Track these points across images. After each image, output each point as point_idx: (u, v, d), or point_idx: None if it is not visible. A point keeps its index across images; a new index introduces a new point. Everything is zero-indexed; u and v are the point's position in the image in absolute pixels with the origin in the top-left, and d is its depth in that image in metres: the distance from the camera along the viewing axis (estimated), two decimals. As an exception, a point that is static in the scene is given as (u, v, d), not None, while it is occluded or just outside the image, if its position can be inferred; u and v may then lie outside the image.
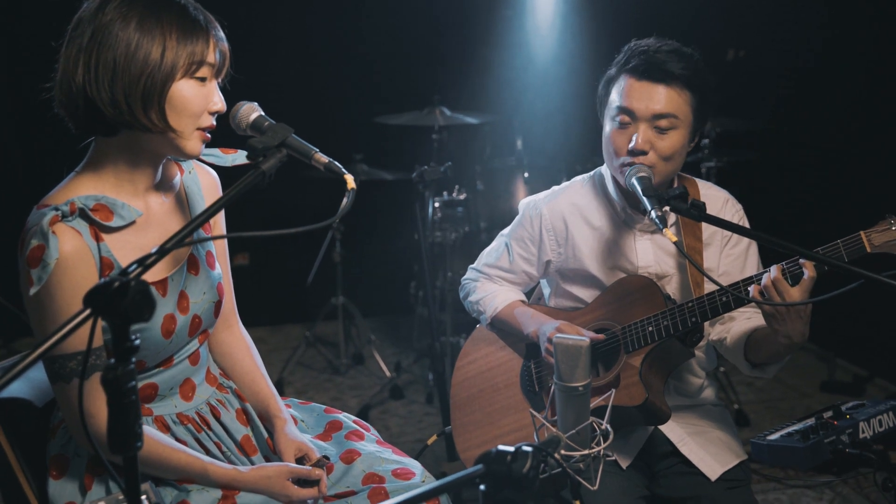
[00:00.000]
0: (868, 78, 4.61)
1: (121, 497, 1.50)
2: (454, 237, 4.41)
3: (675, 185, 2.26)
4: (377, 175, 4.64)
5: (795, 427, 1.90)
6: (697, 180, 2.33)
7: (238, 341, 2.09)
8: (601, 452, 1.67)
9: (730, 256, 2.25)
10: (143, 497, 1.43)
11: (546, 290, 2.49)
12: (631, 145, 2.10)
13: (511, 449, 1.29)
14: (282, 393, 2.09)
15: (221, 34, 1.74)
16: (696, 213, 1.85)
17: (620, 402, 2.08)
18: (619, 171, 2.13)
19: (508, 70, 5.33)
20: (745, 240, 2.26)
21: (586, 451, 1.65)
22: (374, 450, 2.02)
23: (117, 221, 1.71)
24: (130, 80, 1.63)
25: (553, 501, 2.03)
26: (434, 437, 3.09)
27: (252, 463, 1.94)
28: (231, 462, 1.89)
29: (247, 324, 2.13)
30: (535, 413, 1.81)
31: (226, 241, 2.04)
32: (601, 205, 2.31)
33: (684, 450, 2.21)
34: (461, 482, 1.30)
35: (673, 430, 2.23)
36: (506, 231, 2.48)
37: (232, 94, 1.79)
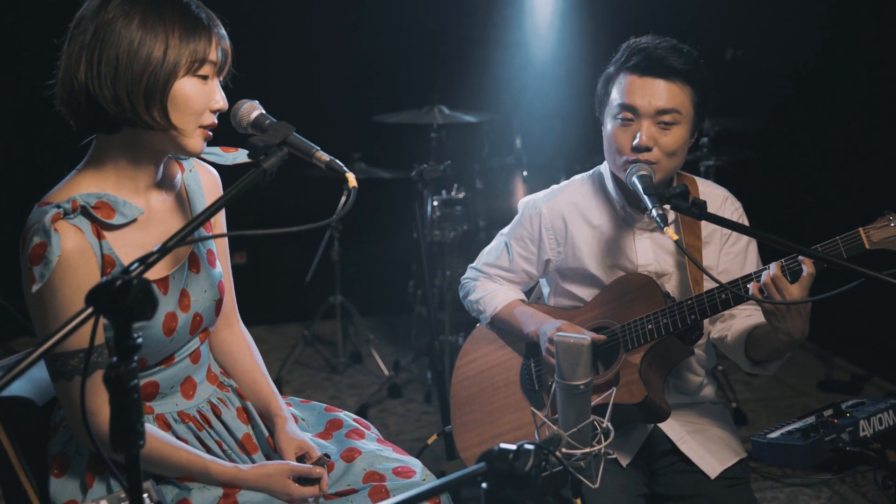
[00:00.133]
0: (867, 77, 4.62)
1: (122, 495, 1.50)
2: (453, 236, 4.40)
3: (675, 183, 2.27)
4: (375, 174, 4.63)
5: (796, 425, 1.90)
6: (697, 178, 2.33)
7: (238, 340, 2.09)
8: (602, 451, 1.68)
9: (729, 254, 2.26)
10: (145, 495, 1.43)
11: (545, 289, 2.49)
12: (635, 142, 2.10)
13: (513, 447, 1.29)
14: (280, 392, 2.09)
15: (223, 32, 1.74)
16: (696, 211, 1.86)
17: (620, 400, 2.09)
18: (623, 168, 2.13)
19: (507, 69, 5.33)
20: (745, 237, 2.26)
21: (587, 450, 1.66)
22: (375, 448, 2.02)
23: (119, 219, 1.71)
24: (133, 78, 1.63)
25: (553, 500, 2.04)
26: (434, 437, 3.09)
27: (253, 461, 1.94)
28: (232, 460, 1.90)
29: (245, 323, 2.13)
30: (536, 411, 1.81)
31: (226, 239, 2.04)
32: (600, 203, 2.31)
33: (684, 448, 2.21)
34: (463, 480, 1.30)
35: (672, 428, 2.23)
36: (505, 230, 2.49)
37: (231, 92, 1.79)
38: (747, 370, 2.20)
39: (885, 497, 3.10)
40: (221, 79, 1.77)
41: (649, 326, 2.11)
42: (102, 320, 1.20)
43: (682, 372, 2.29)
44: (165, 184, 1.85)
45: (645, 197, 1.96)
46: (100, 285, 1.17)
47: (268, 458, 1.98)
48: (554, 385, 1.70)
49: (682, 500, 2.17)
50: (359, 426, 2.11)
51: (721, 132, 4.30)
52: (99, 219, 1.69)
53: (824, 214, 4.56)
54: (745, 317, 2.21)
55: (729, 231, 2.24)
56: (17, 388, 1.83)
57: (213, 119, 1.75)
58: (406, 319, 5.22)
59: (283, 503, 1.83)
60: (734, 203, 2.30)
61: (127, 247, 1.73)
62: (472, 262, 2.57)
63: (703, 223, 2.23)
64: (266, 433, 2.01)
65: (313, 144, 1.66)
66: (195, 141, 1.74)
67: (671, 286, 2.26)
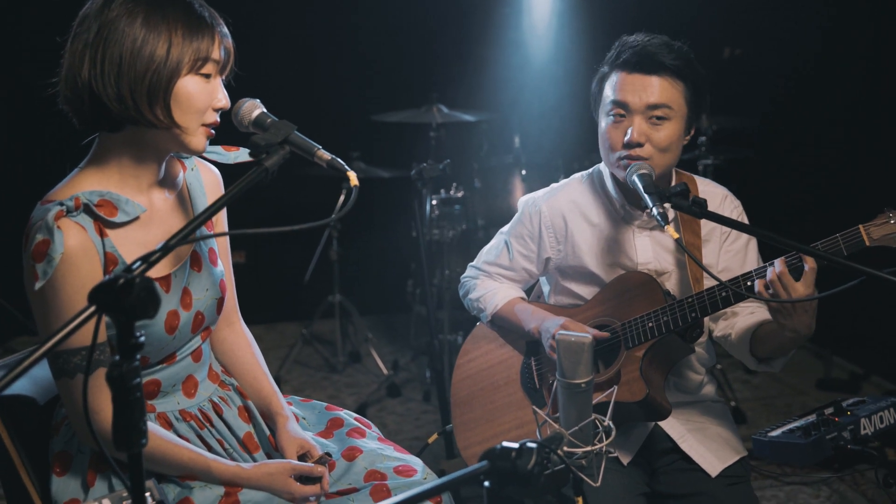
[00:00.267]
0: (865, 76, 4.62)
1: (124, 494, 1.50)
2: (451, 235, 4.40)
3: (674, 181, 2.27)
4: (374, 173, 4.63)
5: (797, 423, 1.90)
6: (696, 177, 2.33)
7: (240, 339, 2.09)
8: (603, 449, 1.68)
9: (729, 252, 2.26)
10: (147, 494, 1.43)
11: (545, 288, 2.49)
12: (626, 138, 2.10)
13: (516, 445, 1.29)
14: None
15: (226, 31, 1.75)
16: (697, 210, 1.86)
17: (621, 398, 2.09)
18: (617, 165, 2.14)
19: (506, 68, 5.33)
20: (745, 235, 2.26)
21: (589, 448, 1.65)
22: (376, 447, 2.02)
23: (121, 217, 1.71)
24: (136, 76, 1.64)
25: (554, 498, 2.04)
26: (435, 436, 3.09)
27: (254, 460, 1.94)
28: (233, 459, 1.90)
29: (244, 321, 2.13)
30: (537, 410, 1.81)
31: (228, 238, 2.04)
32: (600, 202, 2.32)
33: (684, 446, 2.21)
34: (466, 479, 1.30)
35: (673, 426, 2.23)
36: (505, 229, 2.49)
37: (231, 91, 1.79)
38: (753, 368, 2.20)
39: (884, 495, 3.11)
40: (224, 77, 1.77)
41: (650, 324, 2.11)
42: (104, 318, 1.20)
43: (683, 370, 2.29)
44: (167, 182, 1.86)
45: (645, 195, 1.96)
46: (102, 284, 1.17)
47: (269, 456, 1.98)
48: (555, 383, 1.70)
49: (683, 498, 2.18)
50: (360, 425, 2.11)
51: (719, 131, 4.30)
52: (101, 216, 1.69)
53: (823, 213, 4.57)
54: (748, 314, 2.21)
55: (729, 229, 2.24)
56: (19, 386, 1.83)
57: (216, 117, 1.75)
58: (405, 318, 5.22)
59: (284, 502, 1.83)
60: (734, 201, 2.30)
61: (129, 245, 1.73)
62: (471, 260, 2.57)
63: (703, 221, 2.23)
64: (267, 432, 2.01)
65: (315, 143, 1.66)
66: (198, 139, 1.74)
67: (671, 284, 2.26)
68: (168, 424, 1.84)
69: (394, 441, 2.11)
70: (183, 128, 1.71)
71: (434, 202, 4.42)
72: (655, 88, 2.10)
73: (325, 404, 2.18)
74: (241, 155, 1.89)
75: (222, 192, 1.99)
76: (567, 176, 2.48)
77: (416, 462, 2.01)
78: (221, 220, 2.02)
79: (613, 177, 2.26)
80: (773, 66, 5.00)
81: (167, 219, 1.83)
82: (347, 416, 2.14)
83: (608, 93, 2.16)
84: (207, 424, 1.90)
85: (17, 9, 4.72)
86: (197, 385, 1.91)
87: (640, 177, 2.02)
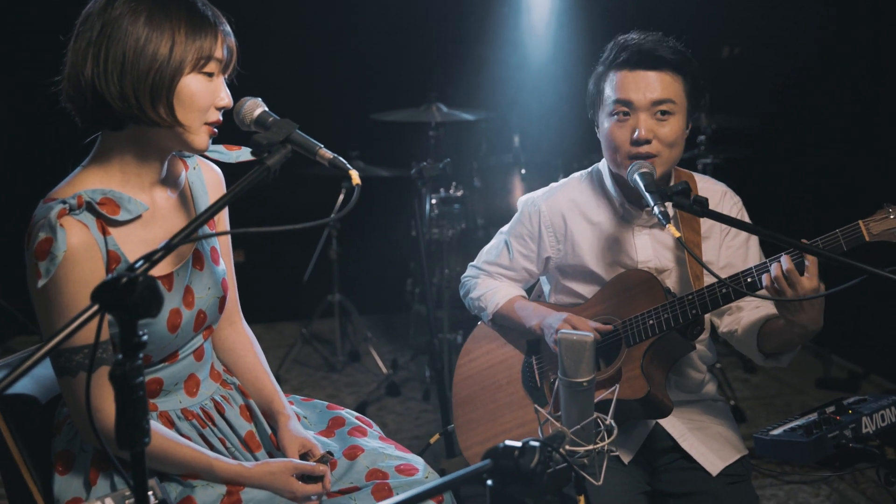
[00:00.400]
0: (864, 74, 4.62)
1: (127, 493, 1.50)
2: (451, 234, 4.40)
3: (673, 178, 2.27)
4: (373, 172, 4.63)
5: (798, 422, 1.90)
6: (694, 174, 2.34)
7: (241, 338, 2.09)
8: (605, 448, 1.68)
9: (731, 248, 2.26)
10: (149, 493, 1.43)
11: (546, 287, 2.49)
12: (635, 136, 2.10)
13: (518, 444, 1.29)
14: (279, 390, 2.09)
15: (229, 30, 1.75)
16: (698, 208, 1.86)
17: (623, 396, 2.09)
18: (625, 165, 2.13)
19: (504, 67, 5.33)
20: None
21: (591, 447, 1.66)
22: (378, 446, 2.02)
23: (124, 215, 1.71)
24: (139, 75, 1.64)
25: (554, 497, 2.04)
26: (437, 436, 3.09)
27: (256, 459, 1.94)
28: (235, 458, 1.90)
29: (242, 321, 2.14)
30: (539, 408, 1.81)
31: (229, 237, 2.05)
32: (599, 201, 2.32)
33: (685, 445, 2.21)
34: (469, 477, 1.30)
35: (674, 425, 2.23)
36: (505, 228, 2.49)
37: (231, 90, 1.79)
38: (760, 363, 2.20)
39: (883, 494, 3.11)
40: (227, 76, 1.78)
41: (650, 322, 2.11)
42: (107, 316, 1.20)
43: (685, 369, 2.29)
44: (170, 181, 1.86)
45: (647, 194, 1.97)
46: (105, 283, 1.17)
47: (271, 455, 1.98)
48: (557, 382, 1.70)
49: (684, 497, 2.18)
50: (361, 424, 2.12)
51: (718, 130, 4.31)
52: (104, 215, 1.69)
53: (822, 212, 4.57)
54: (753, 308, 2.21)
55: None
56: (21, 385, 1.83)
57: (219, 116, 1.76)
58: (404, 318, 5.22)
59: (286, 501, 1.83)
60: (733, 197, 2.30)
61: (131, 243, 1.74)
62: (471, 260, 2.57)
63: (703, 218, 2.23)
64: (269, 431, 2.01)
65: (316, 142, 1.66)
66: (200, 138, 1.74)
67: (671, 282, 2.26)
68: (170, 423, 1.84)
69: (394, 440, 2.11)
70: (185, 126, 1.71)
71: (433, 201, 4.42)
72: (658, 84, 2.10)
73: (327, 403, 2.19)
74: (243, 154, 1.89)
75: (224, 191, 1.99)
76: (566, 175, 2.48)
77: (418, 461, 2.01)
78: (223, 220, 2.02)
79: (613, 175, 2.27)
80: (772, 65, 5.00)
81: (169, 217, 1.83)
82: (349, 414, 2.14)
83: (609, 92, 2.16)
84: (209, 423, 1.90)
85: (18, 9, 4.72)
86: (199, 384, 1.91)
87: (642, 175, 2.02)
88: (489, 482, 1.30)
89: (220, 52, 1.72)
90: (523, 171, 4.61)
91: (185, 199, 1.89)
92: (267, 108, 1.72)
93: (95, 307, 1.19)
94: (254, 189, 1.57)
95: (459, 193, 4.54)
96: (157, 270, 1.76)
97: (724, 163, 4.26)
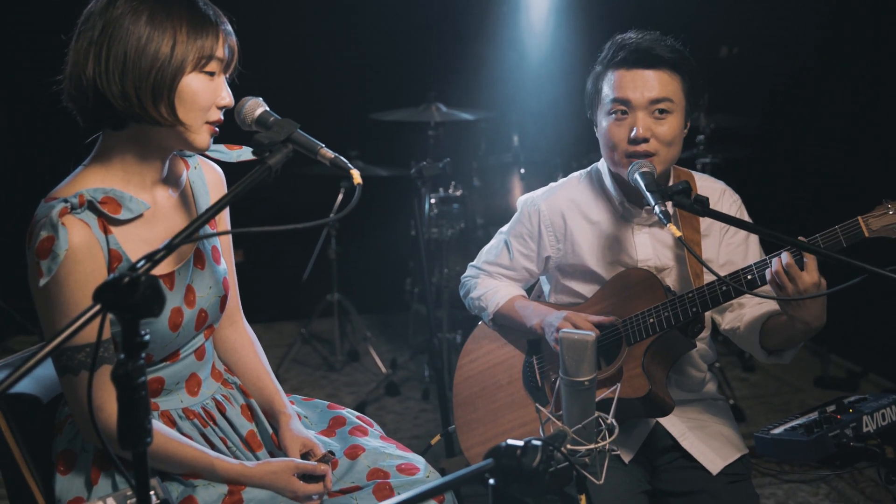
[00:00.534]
0: (862, 74, 4.63)
1: (128, 493, 1.50)
2: (450, 233, 4.40)
3: (672, 176, 2.27)
4: (373, 172, 4.63)
5: (799, 421, 1.90)
6: (693, 172, 2.34)
7: (242, 337, 2.09)
8: (607, 447, 1.68)
9: (730, 245, 2.27)
10: (151, 493, 1.43)
11: (546, 287, 2.49)
12: (633, 134, 2.10)
13: (521, 443, 1.29)
14: (278, 390, 2.09)
15: (230, 29, 1.75)
16: (699, 208, 1.86)
17: (624, 395, 2.09)
18: (623, 163, 2.13)
19: (504, 67, 5.33)
20: None
21: (592, 446, 1.66)
22: (379, 445, 2.02)
23: (125, 214, 1.71)
24: (141, 74, 1.64)
25: (555, 496, 2.04)
26: (438, 437, 3.09)
27: (257, 458, 1.94)
28: (236, 457, 1.90)
29: (241, 321, 2.14)
30: (540, 408, 1.81)
31: (230, 237, 2.05)
32: (599, 200, 2.32)
33: (685, 444, 2.21)
34: (471, 477, 1.30)
35: (674, 424, 2.24)
36: (504, 228, 2.49)
37: (230, 89, 1.79)
38: (763, 360, 2.20)
39: (882, 493, 3.11)
40: (228, 76, 1.78)
41: (651, 320, 2.11)
42: (109, 315, 1.20)
43: (686, 368, 2.29)
44: (171, 180, 1.86)
45: (647, 194, 1.97)
46: (108, 282, 1.17)
47: (272, 455, 1.98)
48: (558, 381, 1.71)
49: (684, 496, 2.18)
50: (362, 423, 2.12)
51: (717, 129, 4.31)
52: (105, 213, 1.69)
53: (821, 212, 4.57)
54: (756, 305, 2.21)
55: None
56: (22, 385, 1.82)
57: (220, 115, 1.76)
58: (403, 317, 5.21)
59: (288, 500, 1.83)
60: (732, 195, 2.31)
61: (133, 242, 1.74)
62: (470, 259, 2.57)
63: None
64: (270, 430, 2.01)
65: (318, 141, 1.66)
66: (202, 137, 1.74)
67: (671, 280, 2.26)
68: (171, 422, 1.85)
69: (393, 440, 2.11)
70: (187, 125, 1.71)
71: (432, 201, 4.42)
72: (655, 83, 2.11)
73: (328, 403, 2.19)
74: (244, 153, 1.89)
75: (225, 190, 1.99)
76: (565, 174, 2.48)
77: (419, 460, 2.01)
78: (224, 219, 2.02)
79: (612, 174, 2.27)
80: (771, 65, 5.00)
81: (170, 216, 1.83)
82: (349, 414, 2.14)
83: (607, 92, 2.16)
84: (210, 422, 1.90)
85: (18, 9, 4.71)
86: (200, 383, 1.92)
87: (642, 175, 2.02)
88: (491, 481, 1.29)
89: (221, 52, 1.72)
90: (522, 171, 4.61)
91: (186, 198, 1.89)
92: (268, 108, 1.72)
93: (98, 307, 1.19)
94: (255, 188, 1.57)
95: (458, 193, 4.54)
96: (159, 269, 1.76)
97: (723, 162, 4.27)
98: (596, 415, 1.67)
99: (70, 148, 1.84)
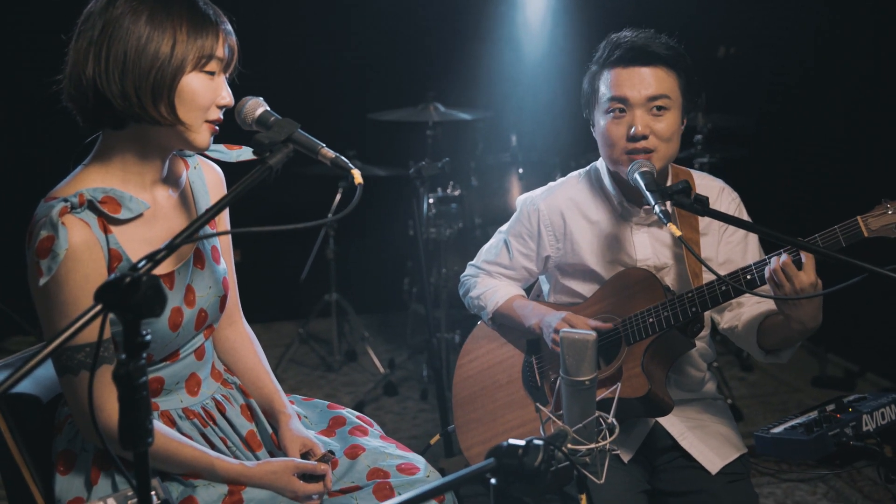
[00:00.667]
0: (860, 74, 4.63)
1: (129, 493, 1.50)
2: (448, 233, 4.40)
3: (670, 175, 2.28)
4: (371, 171, 4.63)
5: (799, 420, 1.91)
6: (692, 171, 2.34)
7: (242, 337, 2.09)
8: (607, 446, 1.68)
9: (730, 244, 2.27)
10: (151, 493, 1.43)
11: (545, 287, 2.49)
12: (631, 132, 2.11)
13: (522, 443, 1.29)
14: (277, 390, 2.09)
15: (230, 29, 1.75)
16: (699, 207, 1.87)
17: (623, 395, 2.09)
18: (622, 161, 2.13)
19: (502, 67, 5.33)
20: None
21: (592, 445, 1.66)
22: (378, 445, 2.02)
23: (125, 214, 1.71)
24: (140, 74, 1.64)
25: (555, 496, 2.04)
26: (437, 437, 3.09)
27: (257, 458, 1.94)
28: (236, 457, 1.90)
29: (241, 320, 2.14)
30: (541, 407, 1.82)
31: (230, 237, 2.05)
32: (598, 199, 2.32)
33: (685, 444, 2.22)
34: (472, 476, 1.30)
35: (673, 424, 2.24)
36: (504, 228, 2.49)
37: (230, 89, 1.79)
38: (760, 360, 2.21)
39: (880, 492, 3.11)
40: (228, 75, 1.78)
41: (650, 320, 2.12)
42: (109, 315, 1.20)
43: (685, 367, 2.29)
44: (171, 180, 1.86)
45: (647, 193, 1.97)
46: (109, 282, 1.17)
47: (272, 454, 1.98)
48: (558, 381, 1.71)
49: (684, 495, 2.18)
50: (361, 423, 2.12)
51: (715, 129, 4.31)
52: (105, 213, 1.69)
53: (820, 211, 4.58)
54: (754, 304, 2.21)
55: None
56: (22, 385, 1.81)
57: (220, 114, 1.76)
58: (401, 317, 5.21)
59: (288, 500, 1.83)
60: (731, 194, 2.31)
61: (133, 241, 1.74)
62: (469, 259, 2.57)
63: (701, 215, 2.24)
64: (270, 430, 2.01)
65: (318, 141, 1.66)
66: (202, 136, 1.74)
67: (670, 279, 2.26)
68: (171, 422, 1.84)
69: (393, 439, 2.11)
70: (187, 125, 1.71)
71: (431, 201, 4.42)
72: (652, 80, 2.11)
73: (327, 403, 2.19)
74: (244, 153, 1.89)
75: (225, 190, 1.99)
76: (564, 174, 2.49)
77: (419, 460, 2.01)
78: (223, 219, 2.02)
79: (611, 174, 2.27)
80: (768, 65, 5.01)
81: (170, 216, 1.83)
82: (349, 414, 2.14)
83: (604, 90, 2.17)
84: (210, 422, 1.90)
85: (18, 9, 4.70)
86: (200, 383, 1.91)
87: (642, 174, 2.03)
88: (493, 481, 1.30)
89: (221, 51, 1.72)
90: (521, 171, 4.61)
91: (185, 198, 1.89)
92: (268, 108, 1.72)
93: (99, 307, 1.19)
94: (255, 188, 1.57)
95: (457, 193, 4.53)
96: (159, 269, 1.76)
97: (721, 162, 4.27)
98: (596, 414, 1.68)
99: (70, 148, 1.83)
